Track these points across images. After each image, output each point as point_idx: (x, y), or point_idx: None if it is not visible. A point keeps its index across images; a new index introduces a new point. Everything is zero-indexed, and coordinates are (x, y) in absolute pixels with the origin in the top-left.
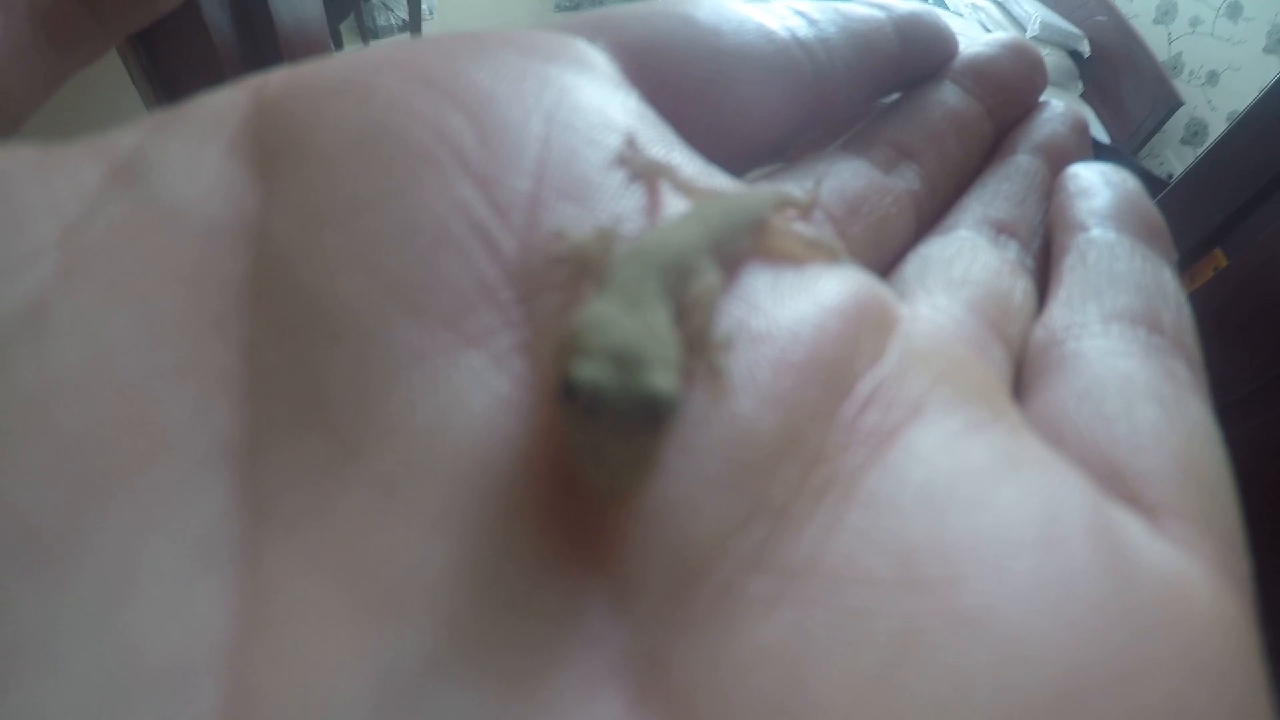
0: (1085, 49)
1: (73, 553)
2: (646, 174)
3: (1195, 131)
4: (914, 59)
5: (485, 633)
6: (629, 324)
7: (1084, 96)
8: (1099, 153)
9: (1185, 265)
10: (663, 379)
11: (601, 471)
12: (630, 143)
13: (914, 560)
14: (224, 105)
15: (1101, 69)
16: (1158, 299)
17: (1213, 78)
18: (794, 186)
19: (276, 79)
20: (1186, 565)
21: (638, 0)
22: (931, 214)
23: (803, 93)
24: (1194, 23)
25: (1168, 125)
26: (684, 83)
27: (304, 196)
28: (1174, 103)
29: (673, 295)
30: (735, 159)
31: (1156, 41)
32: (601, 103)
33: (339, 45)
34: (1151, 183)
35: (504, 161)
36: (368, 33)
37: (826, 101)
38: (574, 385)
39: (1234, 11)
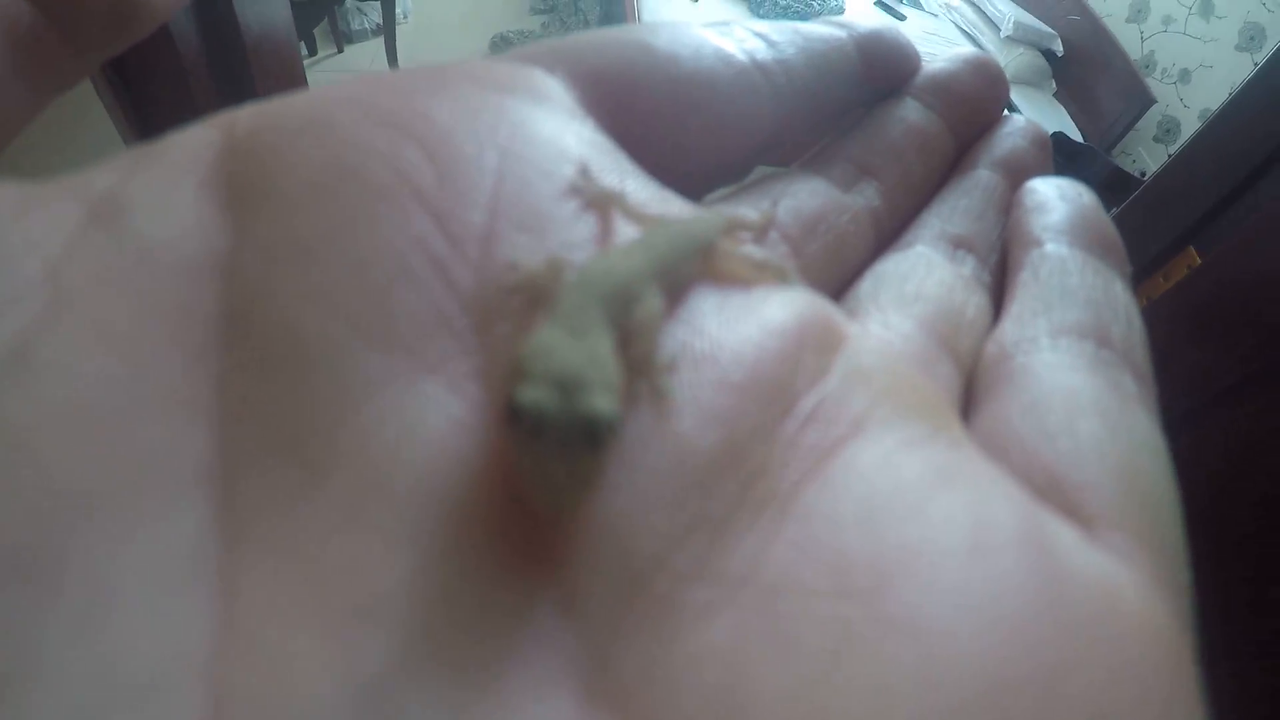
0: (1058, 48)
1: (57, 572)
2: (598, 203)
3: (1168, 129)
4: (876, 76)
5: (446, 637)
6: (571, 351)
7: (1057, 95)
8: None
9: (1159, 264)
10: (602, 402)
11: (545, 490)
12: (583, 172)
13: (847, 570)
14: (196, 144)
15: (1075, 67)
16: (1107, 313)
17: (1185, 75)
18: (751, 207)
19: (245, 117)
20: (1118, 572)
21: (597, 29)
22: (892, 230)
23: (762, 115)
24: (1166, 21)
25: (1140, 123)
26: (643, 109)
27: (270, 235)
28: (1147, 100)
29: (616, 321)
30: (697, 182)
31: (1129, 40)
32: (556, 133)
33: (313, 51)
34: (1125, 180)
35: (459, 195)
36: (341, 37)
37: (787, 122)
38: (518, 409)
39: (1206, 10)
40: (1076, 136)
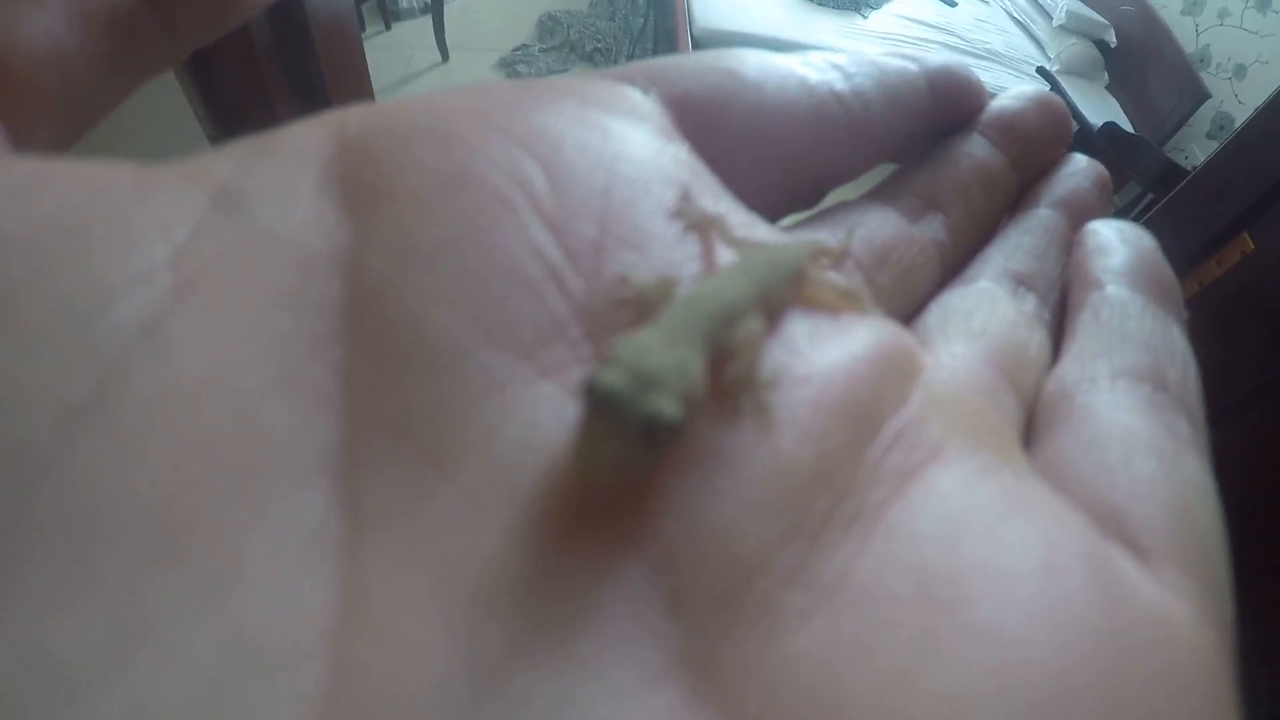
0: (1112, 39)
1: (192, 543)
2: (700, 226)
3: (1221, 125)
4: (944, 111)
5: (561, 629)
6: (661, 354)
7: (1109, 87)
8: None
9: (1213, 249)
10: (669, 404)
11: (587, 458)
12: (684, 195)
13: (930, 581)
14: (309, 141)
15: (1128, 59)
16: (1164, 357)
17: (1240, 71)
18: (826, 235)
19: (355, 119)
20: (1171, 600)
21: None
22: (956, 263)
23: (839, 144)
24: (1222, 15)
25: (1194, 118)
26: (729, 134)
27: (394, 234)
28: (1201, 95)
29: (718, 341)
30: (773, 207)
31: (1184, 32)
32: (655, 154)
33: (361, 28)
34: (1177, 173)
35: (572, 208)
36: (390, 14)
37: (860, 152)
38: (593, 386)
39: (1263, 4)
40: (1128, 128)
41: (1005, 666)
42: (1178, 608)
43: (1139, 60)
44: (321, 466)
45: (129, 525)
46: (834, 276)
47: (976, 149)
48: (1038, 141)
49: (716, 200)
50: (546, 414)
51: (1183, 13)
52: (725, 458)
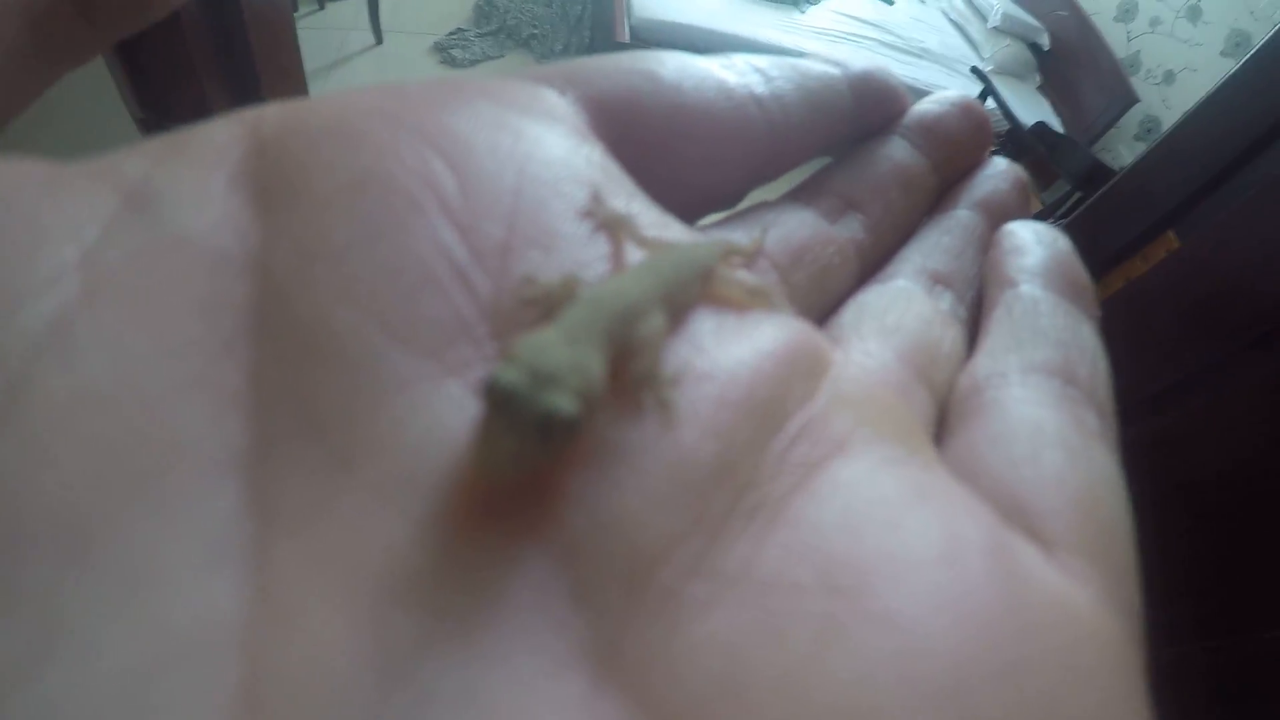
0: (1045, 42)
1: (104, 544)
2: (609, 225)
3: (1149, 129)
4: (866, 114)
5: (466, 620)
6: (559, 352)
7: (1041, 88)
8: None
9: (1138, 246)
10: (564, 401)
11: (487, 455)
12: (595, 196)
13: (833, 570)
14: (223, 139)
15: (1060, 62)
16: (1075, 353)
17: (1169, 77)
18: (742, 234)
19: (271, 116)
20: (1072, 587)
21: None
22: (874, 263)
23: (757, 147)
24: (1154, 23)
25: (1122, 121)
26: (646, 135)
27: (302, 234)
28: (1130, 99)
29: (620, 339)
30: (691, 207)
31: (1116, 39)
32: (568, 155)
33: (295, 7)
34: (1104, 173)
35: (481, 209)
36: None
37: (780, 155)
38: (491, 384)
39: (1194, 14)
40: (1059, 129)
41: (907, 651)
42: (1080, 595)
43: (1071, 63)
44: (232, 466)
45: (40, 527)
46: (743, 274)
47: (897, 151)
48: (959, 145)
49: (629, 200)
50: (452, 412)
51: (1115, 19)
52: (627, 453)
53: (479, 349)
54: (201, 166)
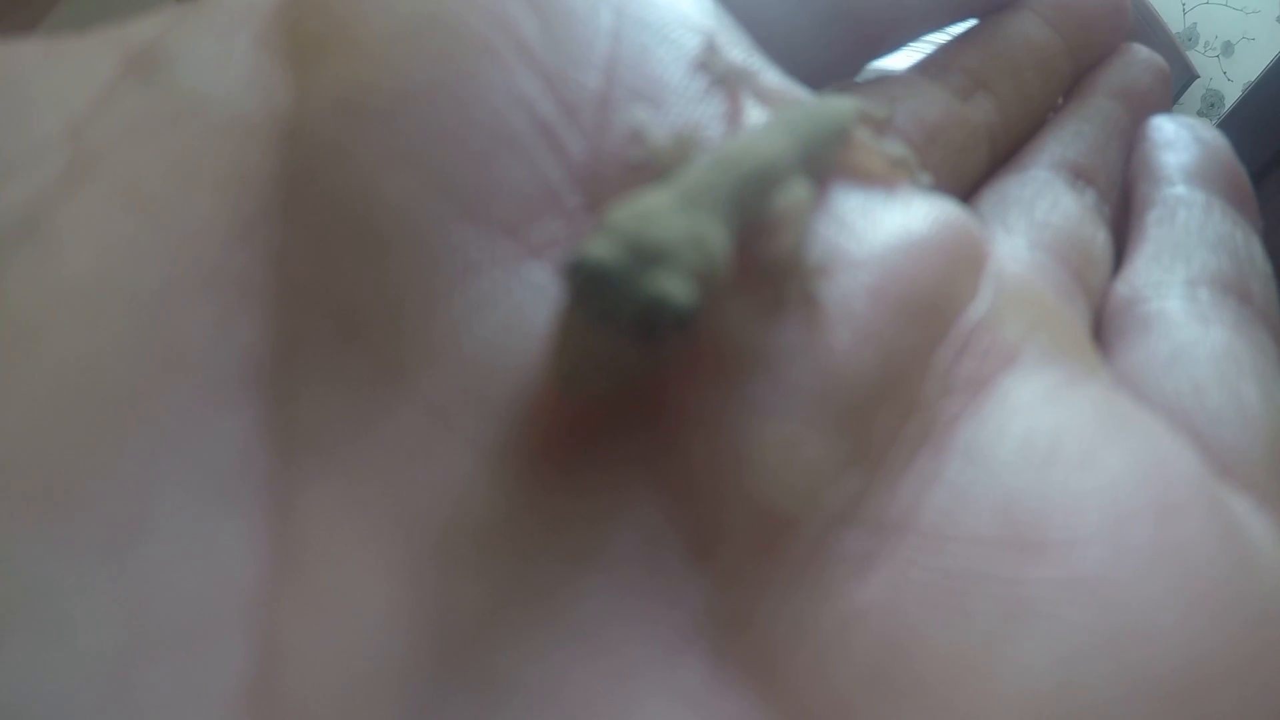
0: None
1: (76, 495)
2: (727, 79)
3: (1212, 104)
4: None
5: (549, 587)
6: (672, 221)
7: None
8: None
9: None
10: (677, 287)
11: (570, 362)
12: (710, 45)
13: (1019, 519)
14: None
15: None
16: (1249, 268)
17: (1228, 48)
18: (872, 102)
19: None
20: None
21: None
22: (1005, 150)
23: (878, 12)
24: None
25: (1184, 98)
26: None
27: (344, 90)
28: (1189, 75)
29: (752, 209)
30: (807, 73)
31: (1171, 13)
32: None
33: None
34: None
35: (571, 55)
36: None
37: (903, 18)
38: (576, 263)
39: None
40: None
41: (1125, 635)
42: None
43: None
44: (246, 381)
45: None
46: (884, 141)
47: (1030, 27)
48: (1095, 26)
49: (748, 54)
50: (536, 303)
51: None
52: (763, 361)
53: (572, 224)
54: (224, 23)
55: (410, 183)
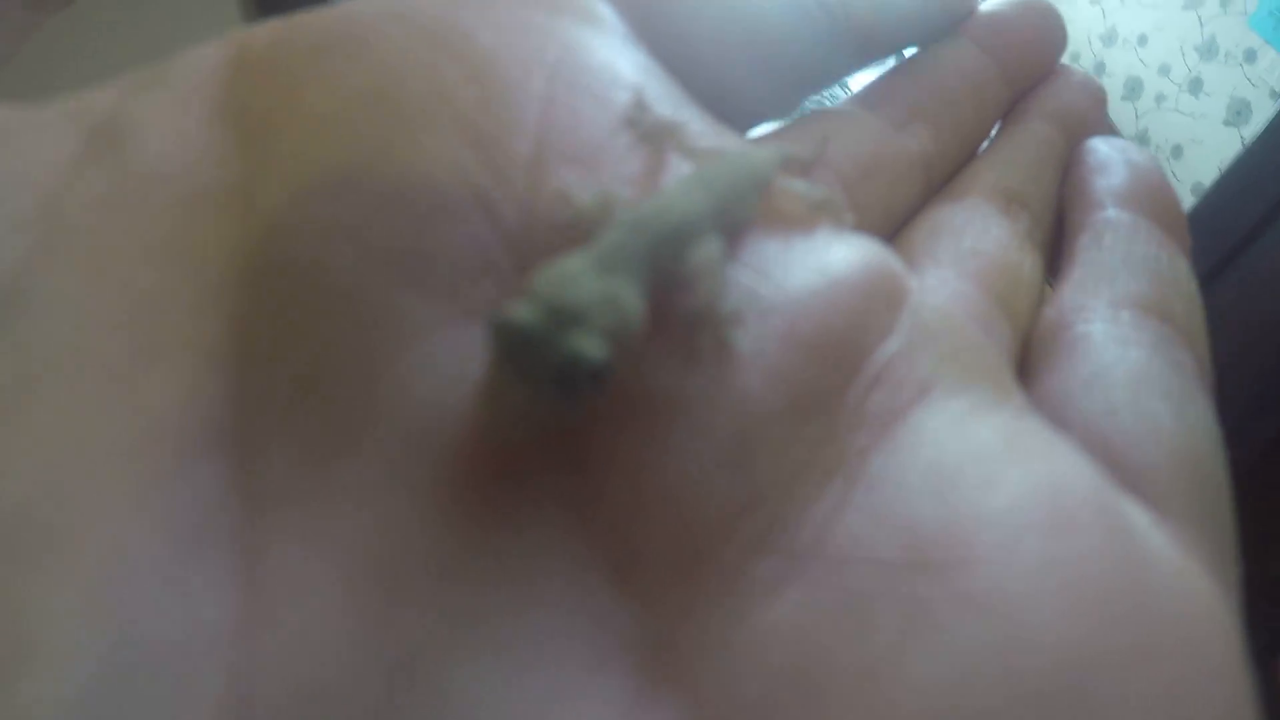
0: None
1: (63, 543)
2: (654, 135)
3: None
4: (931, 15)
5: (489, 614)
6: (588, 284)
7: None
8: None
9: None
10: (591, 344)
11: (495, 411)
12: (638, 101)
13: (921, 541)
14: (205, 64)
15: None
16: (1171, 289)
17: (1177, 151)
18: (800, 144)
19: (261, 35)
20: (1186, 559)
21: None
22: (941, 177)
23: (815, 49)
24: (1159, 99)
25: None
26: (694, 38)
27: (292, 163)
28: None
29: (666, 266)
30: (744, 114)
31: (1124, 118)
32: (608, 59)
33: None
34: None
35: (503, 121)
36: None
37: (839, 58)
38: (501, 324)
39: (1195, 86)
40: None
41: (1012, 642)
42: (1195, 569)
43: None
44: (212, 440)
45: None
46: (805, 185)
47: (965, 56)
48: (1030, 49)
49: (676, 107)
50: (471, 364)
51: (1123, 98)
52: (680, 405)
53: (504, 286)
54: (178, 95)
55: (357, 253)
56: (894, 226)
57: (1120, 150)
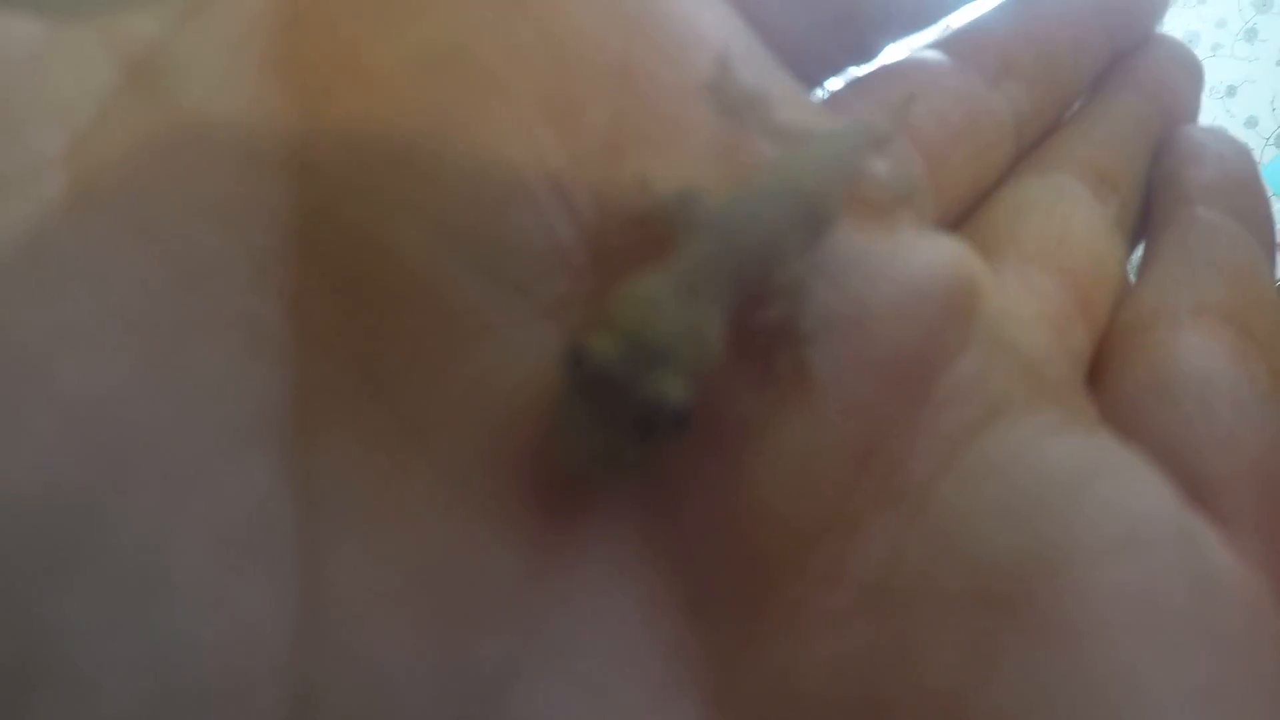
0: None
1: (97, 542)
2: (738, 108)
3: None
4: None
5: (565, 640)
6: (670, 313)
7: None
8: None
9: None
10: (676, 388)
11: (570, 450)
12: (723, 66)
13: (987, 575)
14: (256, 5)
15: None
16: (1253, 299)
17: (1231, 90)
18: (882, 99)
19: None
20: (1255, 580)
21: None
22: (1031, 140)
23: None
24: (1215, 47)
25: None
26: None
27: (353, 127)
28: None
29: (750, 285)
30: (821, 60)
31: None
32: (689, 10)
33: None
34: None
35: (580, 88)
36: None
37: (926, 3)
38: (581, 356)
39: (1250, 35)
40: None
41: (1083, 675)
42: (1262, 589)
43: None
44: (264, 430)
45: (9, 526)
46: (888, 170)
47: (1066, 5)
48: (1135, 5)
49: (760, 71)
50: (546, 369)
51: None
52: (754, 431)
53: (579, 283)
54: (228, 37)
55: (425, 232)
56: (978, 197)
57: (1215, 139)
